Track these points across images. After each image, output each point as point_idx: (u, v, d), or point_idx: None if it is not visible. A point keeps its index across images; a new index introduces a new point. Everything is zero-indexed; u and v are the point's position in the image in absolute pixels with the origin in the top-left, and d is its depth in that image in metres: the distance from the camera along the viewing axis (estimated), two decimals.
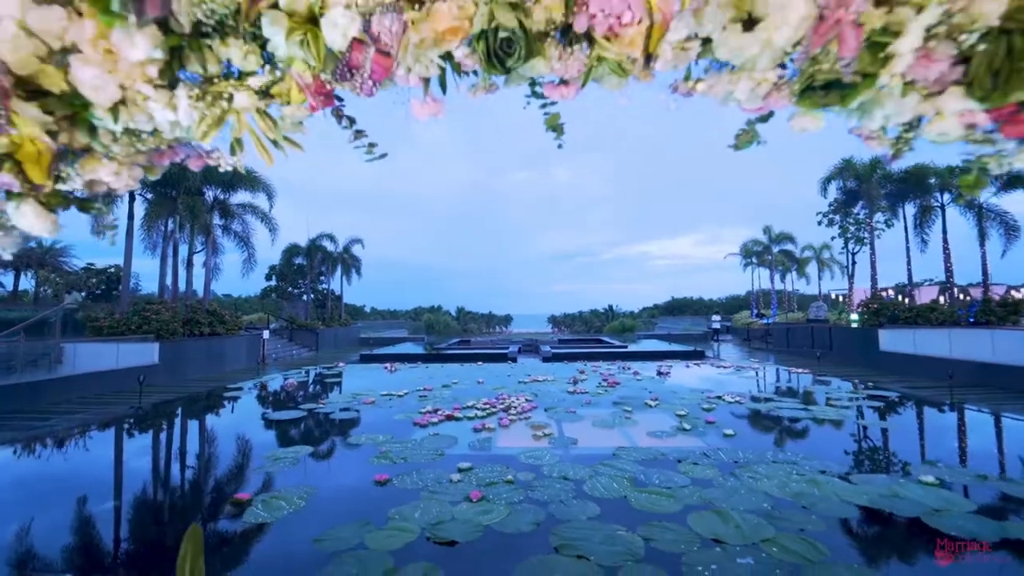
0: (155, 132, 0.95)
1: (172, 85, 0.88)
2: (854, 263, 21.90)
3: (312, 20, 0.82)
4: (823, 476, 5.12)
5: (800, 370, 14.14)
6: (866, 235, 20.63)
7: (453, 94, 1.04)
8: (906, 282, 21.00)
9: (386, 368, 15.41)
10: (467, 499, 4.51)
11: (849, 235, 21.08)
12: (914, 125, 0.99)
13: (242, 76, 0.89)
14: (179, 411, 9.78)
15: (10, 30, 0.83)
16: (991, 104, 0.87)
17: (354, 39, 0.82)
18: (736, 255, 34.42)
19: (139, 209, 17.45)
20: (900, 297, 28.29)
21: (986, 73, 0.83)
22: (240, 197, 20.22)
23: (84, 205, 1.03)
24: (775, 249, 32.44)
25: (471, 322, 40.87)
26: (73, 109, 0.89)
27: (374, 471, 5.36)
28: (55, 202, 0.95)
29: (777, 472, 5.22)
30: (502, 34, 0.83)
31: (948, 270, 18.47)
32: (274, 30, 0.81)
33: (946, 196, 18.62)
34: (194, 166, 1.12)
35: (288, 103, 0.90)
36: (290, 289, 34.25)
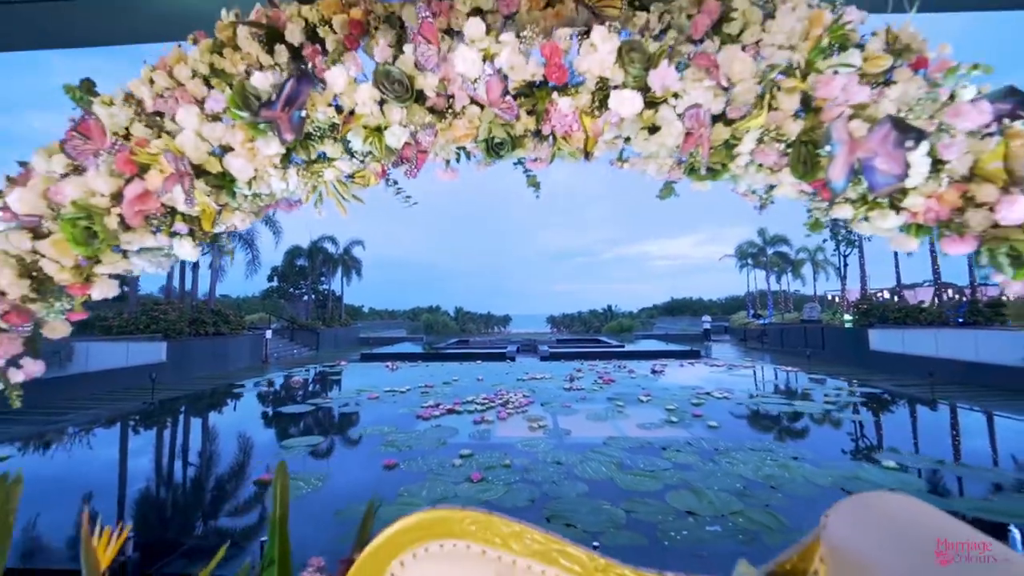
0: (271, 194, 1.44)
1: (286, 166, 1.37)
2: (846, 265, 22.49)
3: (378, 130, 1.32)
4: (795, 462, 5.63)
5: (791, 369, 14.66)
6: (856, 237, 21.19)
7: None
8: (896, 283, 21.52)
9: (387, 367, 15.91)
10: (468, 480, 5.02)
11: (840, 238, 21.64)
12: (769, 188, 1.49)
13: (328, 159, 1.39)
14: (192, 407, 10.28)
15: (191, 137, 1.32)
16: (808, 179, 1.37)
17: (405, 143, 1.32)
18: (731, 257, 34.97)
19: None
20: (893, 298, 28.78)
21: (797, 163, 1.33)
22: None
23: (216, 238, 1.53)
24: (770, 251, 33.02)
25: (469, 322, 41.29)
26: (223, 183, 1.38)
27: (382, 457, 5.87)
28: (202, 239, 1.45)
29: (752, 458, 5.73)
30: (496, 140, 1.33)
31: (936, 271, 19.03)
32: (356, 137, 1.31)
33: None
34: (284, 210, 1.62)
35: (367, 185, 1.40)
36: (291, 290, 34.78)
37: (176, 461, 6.55)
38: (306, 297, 33.16)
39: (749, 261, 34.55)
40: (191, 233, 1.43)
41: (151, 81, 1.74)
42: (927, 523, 1.06)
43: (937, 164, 1.29)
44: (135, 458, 6.70)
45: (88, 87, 1.76)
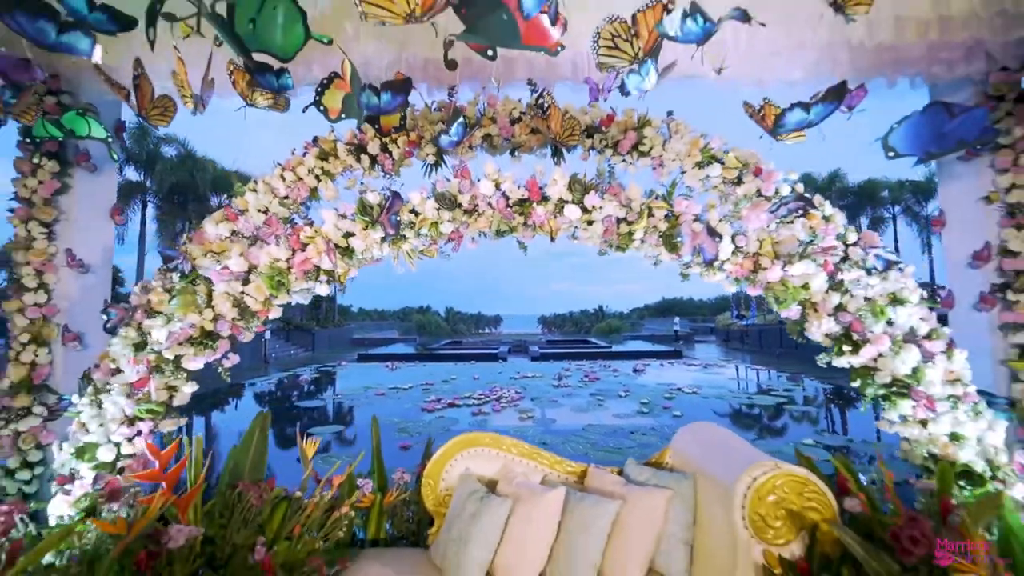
0: (371, 257, 2.51)
1: (383, 243, 2.44)
2: None
3: (436, 224, 2.40)
4: None
5: (761, 368, 15.90)
6: None
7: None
8: None
9: (387, 366, 16.91)
10: None
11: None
12: (656, 256, 2.60)
13: (406, 238, 2.46)
14: (210, 404, 11.20)
15: (332, 228, 2.40)
16: (672, 253, 2.48)
17: (452, 230, 2.41)
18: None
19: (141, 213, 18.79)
20: None
21: (666, 245, 2.44)
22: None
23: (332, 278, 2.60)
24: None
25: (460, 323, 42.07)
26: (347, 252, 2.44)
27: (398, 440, 6.93)
28: (334, 282, 2.52)
29: None
30: (502, 229, 2.42)
31: None
32: (424, 228, 2.39)
33: (896, 208, 20.61)
34: (372, 264, 2.68)
35: (431, 256, 2.48)
36: None
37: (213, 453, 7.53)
38: None
39: None
40: (327, 280, 2.51)
41: (282, 177, 2.83)
42: (717, 435, 2.22)
43: (736, 249, 2.41)
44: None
45: (245, 189, 2.83)
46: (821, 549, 1.63)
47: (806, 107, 2.31)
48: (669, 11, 1.73)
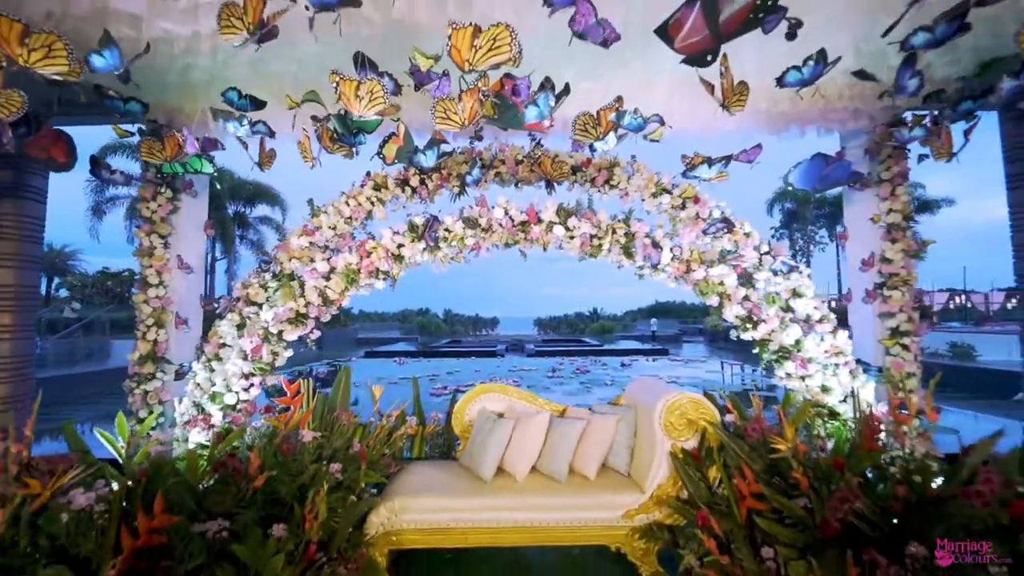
0: (415, 262, 3.50)
1: (424, 251, 3.44)
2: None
3: (463, 239, 3.41)
4: None
5: (736, 362, 16.96)
6: (813, 248, 23.74)
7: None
8: (838, 292, 24.20)
9: (396, 362, 17.92)
10: None
11: (797, 248, 24.17)
12: (619, 262, 3.60)
13: (441, 248, 3.46)
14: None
15: (389, 241, 3.41)
16: (631, 259, 3.50)
17: (474, 242, 3.41)
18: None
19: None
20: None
21: (625, 254, 3.46)
22: (260, 211, 22.55)
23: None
24: None
25: (458, 324, 43.02)
26: (400, 258, 3.45)
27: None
28: (388, 278, 3.52)
29: None
30: (509, 242, 3.42)
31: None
32: (455, 241, 3.40)
33: None
34: (414, 267, 3.68)
35: (458, 261, 3.50)
36: None
37: None
38: None
39: None
40: (384, 278, 3.52)
41: (347, 203, 3.85)
42: (654, 382, 3.27)
43: (674, 256, 3.43)
44: None
45: (320, 211, 3.85)
46: (707, 443, 2.65)
47: (712, 160, 3.35)
48: (619, 112, 2.76)
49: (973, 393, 10.47)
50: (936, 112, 3.47)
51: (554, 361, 17.47)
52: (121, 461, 2.47)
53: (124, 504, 2.02)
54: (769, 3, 1.76)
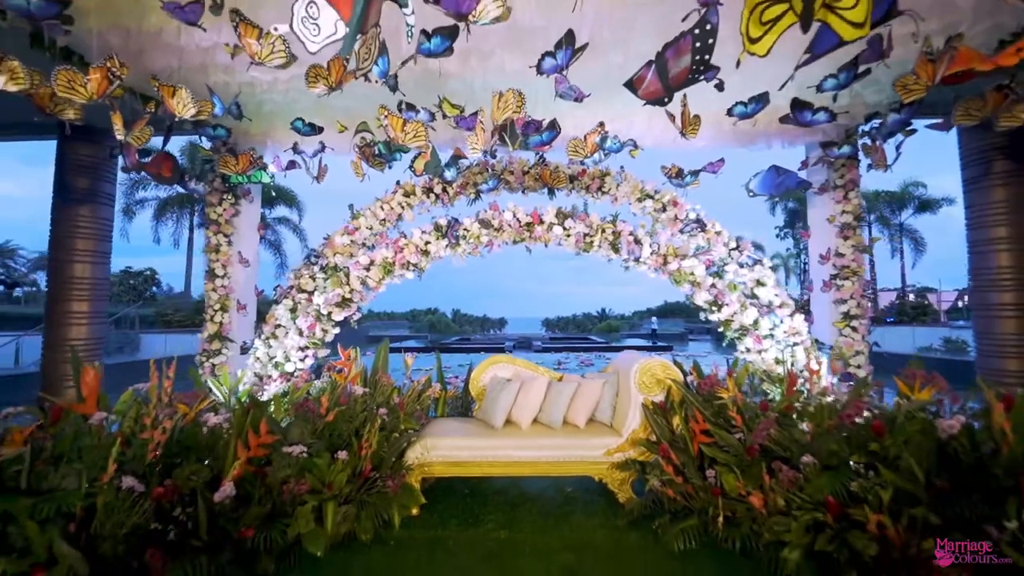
0: (439, 256, 4.24)
1: (447, 247, 4.18)
2: (806, 271, 25.48)
3: (478, 236, 4.14)
4: None
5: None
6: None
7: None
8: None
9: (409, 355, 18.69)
10: None
11: (802, 247, 24.60)
12: (609, 256, 4.31)
13: (460, 245, 4.19)
14: None
15: (419, 239, 4.15)
16: (617, 254, 4.21)
17: (487, 240, 4.14)
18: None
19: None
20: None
21: (613, 249, 4.18)
22: (278, 212, 23.51)
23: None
24: None
25: (466, 324, 43.53)
26: (427, 253, 4.19)
27: None
28: (416, 270, 4.26)
29: None
30: (516, 240, 4.16)
31: (873, 278, 22.06)
32: (471, 238, 4.13)
33: (872, 216, 22.21)
34: (438, 261, 4.41)
35: (475, 255, 4.23)
36: None
37: None
38: None
39: None
40: (414, 270, 4.27)
41: (381, 208, 4.61)
42: (634, 354, 3.99)
43: (653, 252, 4.15)
44: None
45: (359, 213, 4.62)
46: (672, 397, 3.36)
47: (685, 173, 4.06)
48: (602, 135, 3.49)
49: (965, 384, 10.97)
50: (875, 129, 4.15)
51: (560, 356, 18.16)
52: (224, 400, 3.25)
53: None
54: (703, 67, 2.47)
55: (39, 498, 2.14)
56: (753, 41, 1.91)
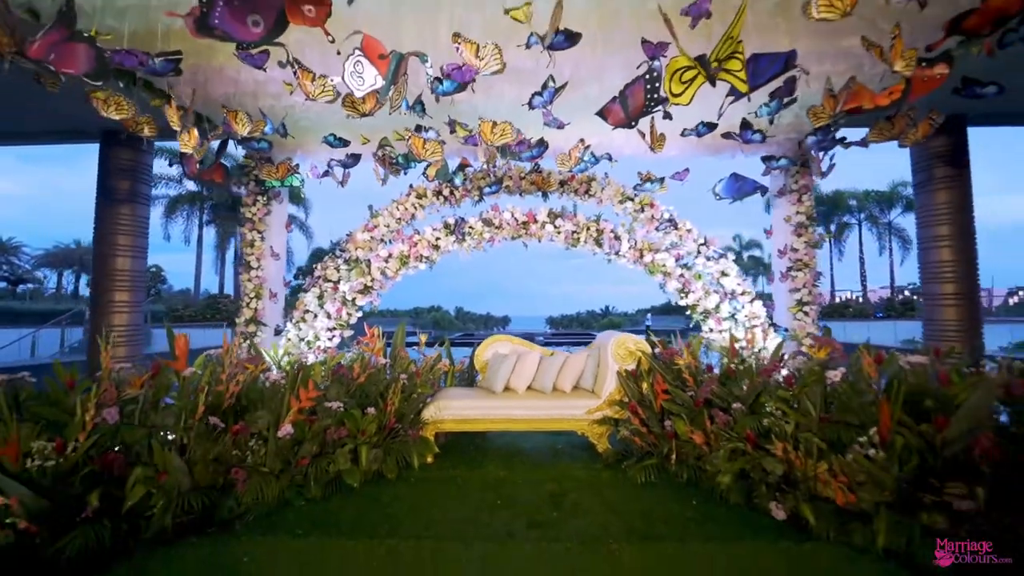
0: (447, 250, 4.94)
1: (455, 242, 4.88)
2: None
3: (482, 233, 4.84)
4: None
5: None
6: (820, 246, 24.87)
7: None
8: (831, 287, 25.29)
9: (415, 349, 19.43)
10: None
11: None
12: (593, 251, 4.99)
13: (467, 240, 4.88)
14: None
15: (430, 235, 4.85)
16: (600, 249, 4.91)
17: (489, 236, 4.84)
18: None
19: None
20: (856, 298, 32.28)
21: (597, 244, 4.88)
22: (288, 209, 24.23)
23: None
24: (745, 254, 36.66)
25: (470, 322, 44.07)
26: (437, 248, 4.89)
27: None
28: (428, 263, 4.95)
29: None
30: (513, 236, 4.86)
31: (863, 275, 22.78)
32: (475, 235, 4.83)
33: (862, 215, 22.91)
34: (446, 254, 5.10)
35: (479, 249, 4.93)
36: None
37: None
38: None
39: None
40: (426, 262, 4.98)
41: (396, 208, 5.33)
42: (612, 333, 4.69)
43: (631, 246, 4.86)
44: None
45: (378, 213, 5.34)
46: (641, 366, 4.07)
47: (648, 179, 4.77)
48: (583, 150, 4.20)
49: None
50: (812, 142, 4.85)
51: (562, 348, 18.86)
52: (276, 365, 3.97)
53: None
54: (653, 102, 3.16)
55: (152, 428, 2.86)
56: (676, 95, 2.60)
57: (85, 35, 2.69)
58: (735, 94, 2.76)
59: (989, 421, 2.46)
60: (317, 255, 34.83)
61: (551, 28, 2.58)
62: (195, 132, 3.52)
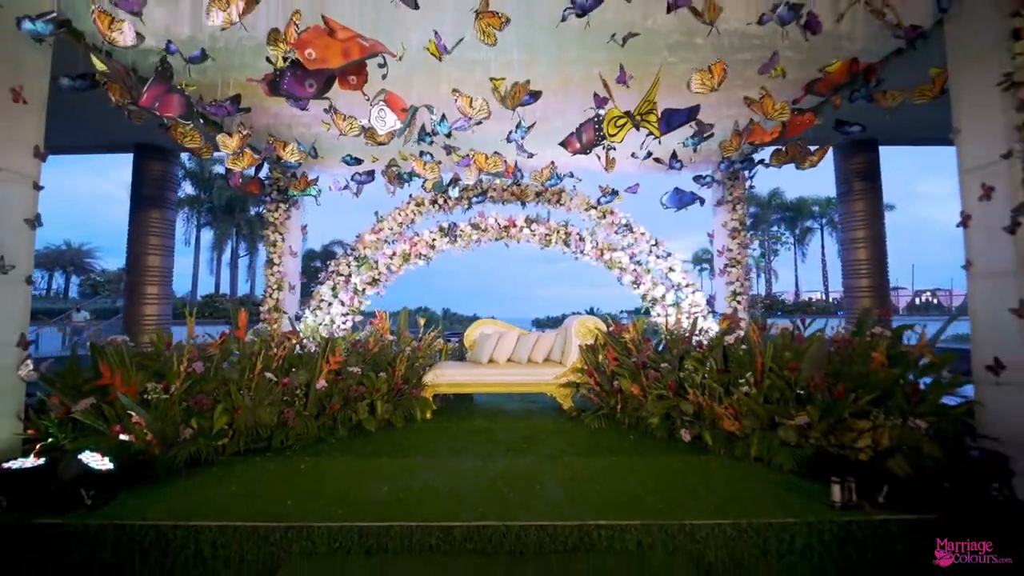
0: (442, 251, 5.94)
1: (449, 243, 5.87)
2: (770, 270, 27.63)
3: (471, 235, 5.85)
4: None
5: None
6: (778, 247, 26.36)
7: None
8: (796, 287, 26.82)
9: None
10: None
11: (764, 248, 26.80)
12: (563, 252, 6.04)
13: (460, 242, 5.88)
14: None
15: (428, 237, 5.86)
16: (568, 250, 5.96)
17: (476, 238, 5.84)
18: (688, 262, 40.09)
19: (176, 225, 22.11)
20: (829, 298, 33.81)
21: (566, 246, 5.93)
22: None
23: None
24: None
25: (456, 323, 44.98)
26: (434, 247, 5.89)
27: None
28: (426, 259, 5.93)
29: None
30: (497, 238, 5.90)
31: (825, 276, 24.28)
32: (466, 237, 5.84)
33: (823, 220, 24.45)
34: (440, 254, 6.08)
35: (468, 249, 5.93)
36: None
37: None
38: None
39: (705, 266, 39.70)
40: (424, 259, 5.98)
41: (399, 214, 6.34)
42: (579, 317, 5.79)
43: (593, 246, 5.93)
44: None
45: (384, 218, 6.34)
46: (598, 341, 5.13)
47: (608, 192, 5.84)
48: (552, 171, 5.26)
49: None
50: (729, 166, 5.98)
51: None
52: (307, 339, 4.95)
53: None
54: (600, 136, 4.21)
55: (224, 380, 3.83)
56: (612, 135, 3.65)
57: (178, 87, 3.67)
58: (654, 136, 3.84)
59: (823, 365, 3.55)
60: (308, 256, 35.58)
61: (515, 100, 3.66)
62: (249, 154, 4.50)
